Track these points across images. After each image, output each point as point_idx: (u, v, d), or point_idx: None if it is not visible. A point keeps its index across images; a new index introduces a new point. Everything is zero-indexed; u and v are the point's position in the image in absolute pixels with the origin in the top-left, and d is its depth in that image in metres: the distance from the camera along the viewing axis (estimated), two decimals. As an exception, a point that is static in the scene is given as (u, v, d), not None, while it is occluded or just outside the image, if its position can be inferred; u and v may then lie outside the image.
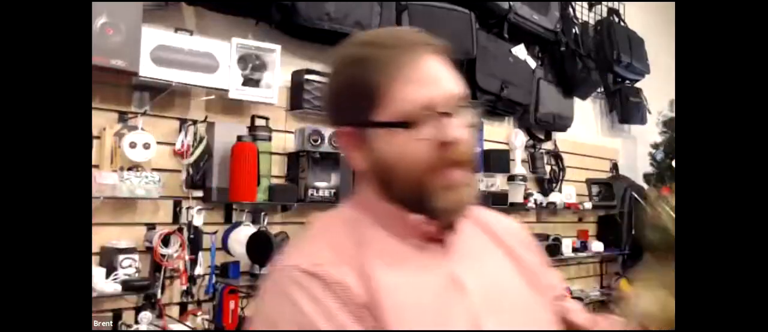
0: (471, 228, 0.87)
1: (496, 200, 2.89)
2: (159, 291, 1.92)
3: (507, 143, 3.22)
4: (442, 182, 0.77)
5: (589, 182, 3.60)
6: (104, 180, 1.81)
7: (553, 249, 3.08)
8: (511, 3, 2.93)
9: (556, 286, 0.94)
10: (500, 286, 0.83)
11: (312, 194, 2.28)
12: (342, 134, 0.83)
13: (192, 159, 2.03)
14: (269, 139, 2.21)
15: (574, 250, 3.30)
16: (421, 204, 0.78)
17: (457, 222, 0.83)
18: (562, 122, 3.43)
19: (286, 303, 0.73)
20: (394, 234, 0.81)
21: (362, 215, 0.83)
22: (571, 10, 3.48)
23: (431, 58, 0.79)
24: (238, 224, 2.14)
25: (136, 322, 1.88)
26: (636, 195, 3.68)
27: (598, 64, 3.56)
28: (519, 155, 3.20)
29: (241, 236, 2.07)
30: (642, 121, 4.07)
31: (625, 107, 3.95)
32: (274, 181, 2.26)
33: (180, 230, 1.98)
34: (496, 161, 2.99)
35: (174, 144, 2.05)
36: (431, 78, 0.78)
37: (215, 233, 2.10)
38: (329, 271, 0.74)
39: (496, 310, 0.79)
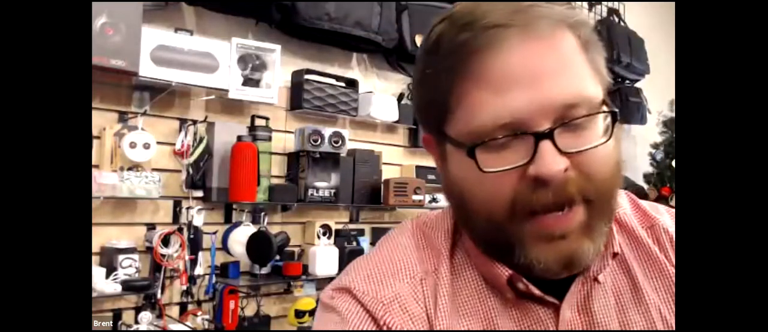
0: (626, 262, 0.63)
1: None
2: (159, 291, 1.92)
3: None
4: (536, 231, 0.54)
5: (589, 182, 3.60)
6: (104, 180, 1.81)
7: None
8: (511, 3, 2.93)
9: None
10: None
11: (312, 194, 2.28)
12: (424, 140, 0.64)
13: (192, 159, 2.03)
14: (269, 139, 2.21)
15: (574, 250, 3.30)
16: (508, 257, 0.56)
17: (594, 273, 0.59)
18: (562, 122, 3.43)
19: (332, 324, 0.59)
20: (484, 280, 0.60)
21: (455, 242, 0.63)
22: (571, 10, 3.48)
23: (526, 46, 0.52)
24: (238, 224, 2.14)
25: (136, 322, 1.88)
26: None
27: (598, 64, 3.56)
28: (519, 155, 3.19)
29: (241, 236, 2.07)
30: (642, 121, 4.07)
31: (625, 107, 3.94)
32: (274, 181, 2.26)
33: (180, 230, 1.98)
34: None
35: (174, 144, 2.05)
36: (516, 79, 0.52)
37: (215, 233, 2.10)
38: (392, 317, 0.57)
39: None
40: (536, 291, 0.57)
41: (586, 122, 0.53)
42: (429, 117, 0.60)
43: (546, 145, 0.51)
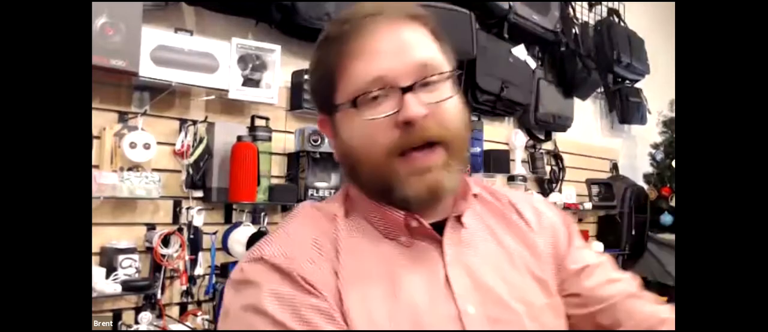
0: (484, 215, 0.81)
1: (496, 201, 2.89)
2: (159, 291, 1.92)
3: (507, 143, 3.22)
4: (408, 167, 0.70)
5: (589, 182, 3.60)
6: (104, 180, 1.81)
7: (553, 249, 3.07)
8: (511, 3, 2.93)
9: (587, 269, 0.81)
10: (498, 289, 0.73)
11: (312, 195, 2.28)
12: (320, 123, 0.81)
13: (192, 159, 2.03)
14: (269, 139, 2.21)
15: (574, 250, 3.29)
16: (389, 195, 0.72)
17: (459, 211, 0.76)
18: (562, 122, 3.43)
19: (253, 299, 0.67)
20: (379, 231, 0.74)
21: (350, 207, 0.77)
22: (571, 10, 3.48)
23: (391, 27, 0.71)
24: (238, 224, 2.14)
25: (136, 322, 1.88)
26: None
27: (598, 64, 3.55)
28: (519, 155, 3.20)
29: (241, 237, 2.07)
30: (642, 121, 4.07)
31: (625, 107, 3.95)
32: (274, 181, 2.26)
33: (180, 230, 1.98)
34: (496, 161, 2.99)
35: (174, 144, 2.05)
36: (384, 49, 0.70)
37: (215, 233, 2.10)
38: (301, 266, 0.68)
39: (489, 320, 0.70)
40: (427, 225, 0.73)
41: (438, 83, 0.71)
42: (322, 96, 0.77)
43: (409, 96, 0.69)
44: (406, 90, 0.69)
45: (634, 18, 4.00)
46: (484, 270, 0.74)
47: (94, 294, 1.75)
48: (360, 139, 0.71)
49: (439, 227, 0.75)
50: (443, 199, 0.74)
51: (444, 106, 0.71)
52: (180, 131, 2.06)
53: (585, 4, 3.76)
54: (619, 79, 3.89)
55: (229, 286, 0.72)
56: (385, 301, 0.68)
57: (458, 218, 0.77)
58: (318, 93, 0.78)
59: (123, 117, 1.95)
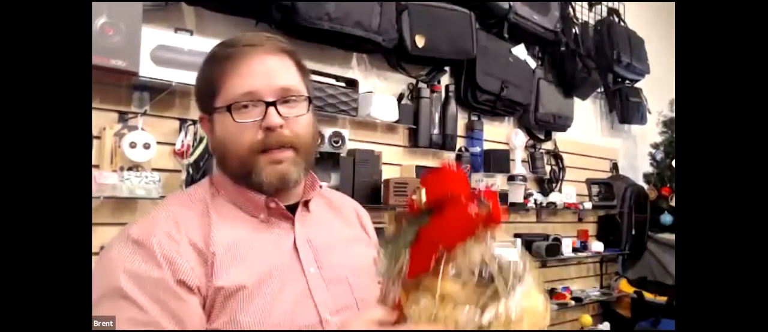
0: (325, 209, 1.05)
1: (496, 200, 2.88)
2: (159, 291, 1.92)
3: (507, 143, 3.22)
4: (266, 160, 0.91)
5: (589, 182, 3.60)
6: (104, 180, 1.81)
7: (553, 248, 3.07)
8: (511, 3, 2.92)
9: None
10: (331, 257, 0.96)
11: (312, 194, 2.28)
12: (200, 120, 1.00)
13: (192, 159, 2.03)
14: (269, 139, 2.20)
15: (574, 250, 3.30)
16: (249, 179, 0.92)
17: (307, 200, 0.99)
18: (562, 122, 3.43)
19: (108, 269, 0.84)
20: (243, 210, 0.94)
21: (216, 191, 0.96)
22: (571, 10, 3.48)
23: (265, 56, 0.92)
24: (238, 224, 2.13)
25: (136, 322, 1.88)
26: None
27: (598, 64, 3.55)
28: (519, 155, 3.20)
29: (241, 236, 2.06)
30: (642, 121, 4.07)
31: (625, 107, 3.95)
32: (274, 181, 2.26)
33: (180, 230, 1.98)
34: (496, 160, 2.99)
35: (174, 144, 2.05)
36: (257, 72, 0.91)
37: (215, 233, 2.10)
38: (160, 241, 0.84)
39: (324, 278, 0.92)
40: (282, 206, 0.95)
41: (296, 102, 0.94)
42: (204, 99, 0.96)
43: (272, 109, 0.90)
44: (270, 104, 0.90)
45: (634, 18, 4.00)
46: (323, 244, 0.97)
47: (94, 294, 1.75)
48: (231, 136, 0.91)
49: (291, 209, 0.97)
50: (289, 186, 0.95)
51: (298, 120, 0.93)
52: (180, 131, 2.06)
53: (585, 4, 3.76)
54: (619, 79, 3.89)
55: (96, 265, 0.86)
56: (248, 260, 0.88)
57: (306, 204, 0.99)
58: (202, 97, 0.97)
59: (123, 117, 1.95)
